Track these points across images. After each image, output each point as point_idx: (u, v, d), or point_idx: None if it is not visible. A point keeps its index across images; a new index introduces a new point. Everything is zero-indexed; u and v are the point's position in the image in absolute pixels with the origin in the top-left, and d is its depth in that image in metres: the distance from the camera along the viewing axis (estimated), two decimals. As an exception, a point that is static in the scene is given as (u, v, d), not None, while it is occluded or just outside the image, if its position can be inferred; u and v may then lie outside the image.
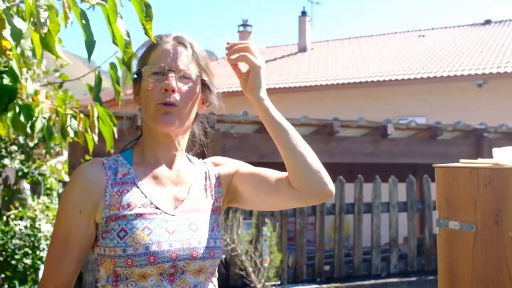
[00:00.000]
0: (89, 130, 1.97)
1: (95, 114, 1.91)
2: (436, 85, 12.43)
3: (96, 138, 1.93)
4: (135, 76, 1.38)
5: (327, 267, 5.89)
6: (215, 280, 1.37)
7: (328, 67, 15.35)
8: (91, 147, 2.01)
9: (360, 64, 14.81)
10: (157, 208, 1.30)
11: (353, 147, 6.59)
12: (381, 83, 12.90)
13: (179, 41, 1.36)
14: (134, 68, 1.42)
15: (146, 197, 1.30)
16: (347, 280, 5.84)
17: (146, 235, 1.24)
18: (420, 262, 6.32)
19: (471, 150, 7.06)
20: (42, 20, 1.17)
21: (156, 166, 1.35)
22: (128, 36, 1.25)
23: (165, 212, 1.30)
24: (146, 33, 1.22)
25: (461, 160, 1.71)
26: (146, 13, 1.20)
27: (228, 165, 1.48)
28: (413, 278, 6.07)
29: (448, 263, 1.65)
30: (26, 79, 2.14)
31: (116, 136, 2.05)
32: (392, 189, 6.17)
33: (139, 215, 1.27)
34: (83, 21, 1.24)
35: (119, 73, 2.05)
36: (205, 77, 1.39)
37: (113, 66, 2.03)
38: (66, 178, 5.02)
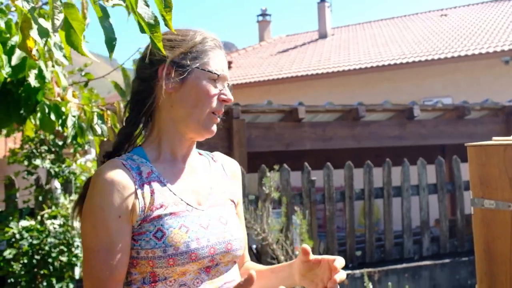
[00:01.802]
0: (118, 126, 1.99)
1: (122, 110, 1.92)
2: (460, 64, 12.22)
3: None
4: (181, 65, 1.29)
5: (358, 253, 5.87)
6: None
7: (350, 52, 15.21)
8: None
9: (382, 48, 14.64)
10: (187, 204, 1.29)
11: (380, 131, 6.54)
12: (404, 65, 12.73)
13: (221, 47, 1.36)
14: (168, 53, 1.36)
15: (175, 194, 1.28)
16: (379, 264, 5.81)
17: (184, 233, 1.23)
18: (452, 244, 6.25)
19: (500, 128, 6.93)
20: (56, 21, 1.17)
21: (173, 161, 1.33)
22: (155, 21, 1.23)
23: (196, 208, 1.30)
24: (166, 24, 1.20)
25: (494, 138, 1.68)
26: (165, 4, 1.19)
27: (240, 186, 1.49)
28: (447, 260, 6.00)
29: (485, 243, 1.62)
30: (64, 75, 2.16)
31: None
32: (421, 171, 6.10)
33: (173, 214, 1.25)
34: (104, 19, 1.23)
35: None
36: None
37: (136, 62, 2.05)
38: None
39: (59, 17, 1.19)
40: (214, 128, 1.32)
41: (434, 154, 6.98)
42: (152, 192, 1.25)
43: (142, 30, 1.19)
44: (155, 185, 1.27)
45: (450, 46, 12.96)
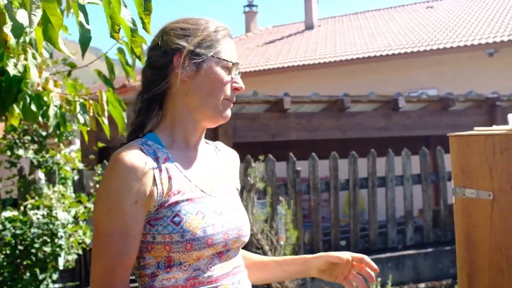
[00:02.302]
0: (101, 115, 1.97)
1: (104, 98, 1.91)
2: (446, 56, 12.29)
3: (106, 121, 1.93)
4: (196, 54, 1.31)
5: (343, 242, 5.91)
6: None
7: (336, 43, 15.22)
8: (107, 132, 2.01)
9: (369, 39, 14.67)
10: (202, 191, 1.31)
11: (365, 122, 6.56)
12: (390, 57, 12.78)
13: (231, 36, 1.40)
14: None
15: (190, 181, 1.30)
16: (364, 254, 5.85)
17: (201, 219, 1.26)
18: (436, 233, 6.32)
19: (484, 119, 6.99)
20: (34, 17, 1.15)
21: (186, 149, 1.35)
22: (134, 25, 1.23)
23: (209, 195, 1.32)
24: (144, 27, 1.20)
25: (476, 128, 1.69)
26: (145, 7, 1.18)
27: (238, 176, 1.54)
28: (430, 250, 6.07)
29: (466, 232, 1.64)
30: (48, 64, 2.14)
31: (125, 120, 2.05)
32: (406, 162, 6.15)
33: (189, 200, 1.27)
34: (81, 17, 1.22)
35: (128, 56, 2.04)
36: None
37: (121, 50, 2.03)
38: (80, 166, 5.06)
39: (37, 13, 1.17)
40: (229, 113, 1.35)
41: (418, 145, 7.03)
42: (170, 178, 1.27)
43: (112, 36, 1.19)
44: (172, 171, 1.28)
45: (435, 38, 13.02)
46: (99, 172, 4.98)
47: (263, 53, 16.17)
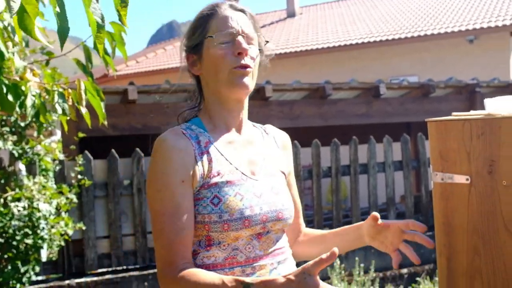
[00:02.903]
0: (80, 103, 1.95)
1: (82, 87, 1.89)
2: (427, 43, 12.36)
3: (84, 111, 1.91)
4: (193, 46, 1.40)
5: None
6: None
7: (318, 31, 15.21)
8: (88, 121, 1.99)
9: (350, 26, 14.69)
10: (242, 174, 1.36)
11: (346, 109, 6.59)
12: (372, 44, 12.82)
13: (235, 7, 1.41)
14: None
15: (231, 163, 1.35)
16: (347, 241, 5.90)
17: (239, 200, 1.31)
18: (417, 219, 6.38)
19: (464, 105, 7.06)
20: (13, 4, 1.13)
21: (229, 132, 1.41)
22: (103, 21, 1.22)
23: (250, 178, 1.37)
24: (120, 19, 1.20)
25: (454, 113, 1.70)
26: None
27: (290, 157, 1.59)
28: (412, 235, 6.13)
29: (444, 216, 1.66)
30: (13, 53, 2.11)
31: (103, 110, 2.02)
32: (387, 148, 6.19)
33: (229, 182, 1.32)
34: (58, 7, 1.20)
35: (108, 46, 2.02)
36: (261, 40, 1.46)
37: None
38: (61, 156, 5.01)
39: (16, 0, 1.15)
40: (245, 81, 1.36)
41: (400, 131, 7.08)
42: (210, 161, 1.33)
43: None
44: (213, 154, 1.34)
45: (416, 25, 13.08)
46: (80, 162, 4.94)
47: (245, 41, 16.09)
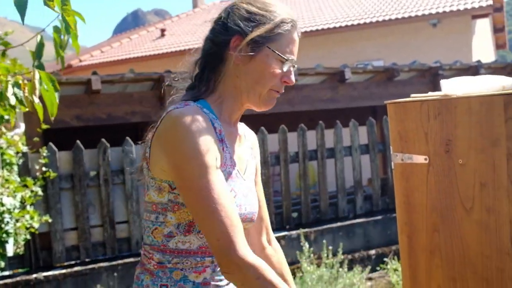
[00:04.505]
0: (34, 94, 1.91)
1: (37, 77, 1.84)
2: (391, 27, 12.49)
3: (36, 100, 1.87)
4: (253, 40, 1.31)
5: (295, 214, 6.00)
6: None
7: (286, 10, 15.17)
8: (40, 112, 1.94)
9: (316, 12, 14.72)
10: (237, 171, 1.34)
11: (312, 95, 6.62)
12: (337, 29, 12.88)
13: (300, 34, 1.40)
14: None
15: (231, 157, 1.33)
16: (315, 225, 5.97)
17: (232, 197, 1.28)
18: (384, 201, 6.50)
19: (427, 88, 7.16)
20: None
21: (229, 125, 1.37)
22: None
23: (241, 176, 1.36)
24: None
25: (412, 95, 1.73)
26: None
27: (258, 156, 1.55)
28: (379, 217, 6.25)
29: (405, 195, 1.69)
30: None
31: (57, 102, 1.96)
32: (353, 132, 6.26)
33: (229, 176, 1.30)
34: None
35: (63, 36, 1.97)
36: None
37: (56, 29, 1.95)
38: (24, 149, 4.91)
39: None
40: (273, 102, 1.38)
41: (365, 115, 7.17)
42: (223, 149, 1.30)
43: (45, 3, 1.15)
44: (223, 144, 1.31)
45: (381, 10, 13.19)
46: (44, 154, 4.86)
47: (211, 28, 15.97)
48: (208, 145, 1.22)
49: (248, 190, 1.38)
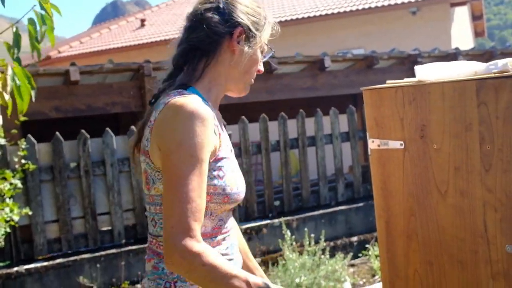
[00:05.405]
0: (6, 88, 1.87)
1: (9, 73, 1.81)
2: (371, 16, 12.53)
3: (7, 97, 1.83)
4: (252, 32, 1.44)
5: (277, 203, 6.03)
6: None
7: (264, 6, 15.10)
8: (9, 108, 1.90)
9: (296, 1, 14.70)
10: (231, 151, 1.44)
11: (293, 83, 6.63)
12: (318, 18, 12.88)
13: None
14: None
15: (225, 139, 1.40)
16: (297, 213, 6.01)
17: (234, 176, 1.38)
18: (366, 188, 6.55)
19: (406, 75, 7.13)
20: None
21: (215, 108, 1.45)
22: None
23: (233, 156, 1.45)
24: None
25: (388, 81, 1.75)
26: None
27: None
28: (360, 204, 6.30)
29: (382, 181, 1.71)
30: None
31: (33, 99, 1.93)
32: (334, 120, 6.30)
33: (227, 158, 1.38)
34: None
35: (39, 28, 1.94)
36: None
37: (31, 21, 1.92)
38: (2, 141, 4.85)
39: None
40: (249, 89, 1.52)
41: (346, 103, 7.20)
42: (220, 134, 1.37)
43: None
44: (219, 128, 1.38)
45: (360, -2, 13.22)
46: (23, 146, 4.81)
47: (191, 18, 15.85)
48: (208, 137, 1.28)
49: (239, 169, 1.47)
